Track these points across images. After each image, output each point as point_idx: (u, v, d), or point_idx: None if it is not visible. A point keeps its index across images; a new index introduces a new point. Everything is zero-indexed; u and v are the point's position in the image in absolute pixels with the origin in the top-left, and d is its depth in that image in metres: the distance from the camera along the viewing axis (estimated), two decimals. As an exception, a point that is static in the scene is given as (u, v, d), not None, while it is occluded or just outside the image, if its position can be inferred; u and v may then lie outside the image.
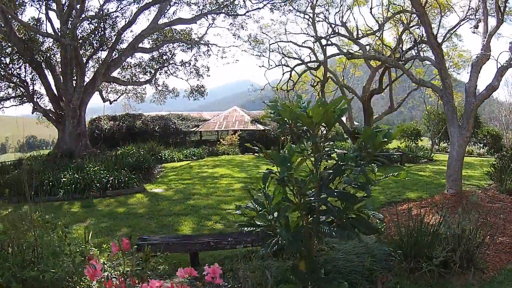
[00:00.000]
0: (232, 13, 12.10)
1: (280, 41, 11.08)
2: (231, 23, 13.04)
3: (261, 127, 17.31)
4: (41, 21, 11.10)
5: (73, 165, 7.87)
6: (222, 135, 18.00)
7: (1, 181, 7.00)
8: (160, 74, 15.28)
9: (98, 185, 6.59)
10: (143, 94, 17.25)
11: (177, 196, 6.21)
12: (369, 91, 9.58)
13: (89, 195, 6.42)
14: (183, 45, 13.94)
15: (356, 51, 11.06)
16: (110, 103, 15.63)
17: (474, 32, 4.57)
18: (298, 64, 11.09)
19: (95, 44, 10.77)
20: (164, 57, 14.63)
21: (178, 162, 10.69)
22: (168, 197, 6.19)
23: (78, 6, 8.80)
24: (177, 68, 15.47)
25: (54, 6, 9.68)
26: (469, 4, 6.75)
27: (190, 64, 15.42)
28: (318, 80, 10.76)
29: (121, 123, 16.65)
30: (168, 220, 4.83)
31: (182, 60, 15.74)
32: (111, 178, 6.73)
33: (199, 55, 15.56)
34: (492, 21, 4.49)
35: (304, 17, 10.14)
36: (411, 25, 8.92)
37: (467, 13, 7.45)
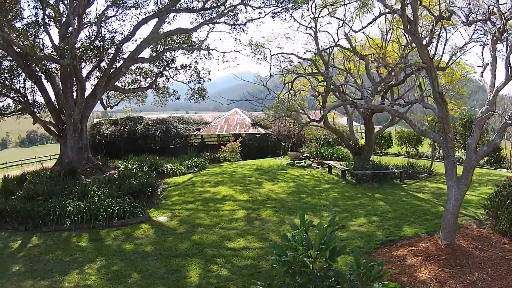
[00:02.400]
0: (233, 22, 11.88)
1: (281, 53, 10.96)
2: (232, 27, 12.84)
3: (262, 130, 17.35)
4: (40, 32, 10.92)
5: (77, 187, 8.00)
6: (224, 138, 18.05)
7: (7, 207, 7.17)
8: (160, 77, 15.20)
9: (103, 214, 6.76)
10: (144, 97, 17.20)
11: (182, 228, 6.37)
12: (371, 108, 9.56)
13: (95, 225, 6.61)
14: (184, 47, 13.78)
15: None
16: (111, 108, 15.62)
17: (480, 80, 4.55)
18: (299, 76, 11.00)
19: (94, 60, 10.67)
20: (165, 62, 14.51)
21: (180, 176, 10.81)
22: (173, 229, 6.35)
23: (75, 24, 8.64)
24: (177, 71, 15.39)
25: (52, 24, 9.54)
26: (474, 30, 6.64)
27: (190, 67, 15.30)
28: (319, 92, 10.71)
29: (122, 128, 16.68)
30: (176, 263, 5.01)
31: (182, 63, 15.63)
32: (117, 207, 6.88)
33: (200, 58, 15.44)
34: (500, 64, 4.43)
35: (306, 32, 9.99)
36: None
37: (472, 35, 7.35)
